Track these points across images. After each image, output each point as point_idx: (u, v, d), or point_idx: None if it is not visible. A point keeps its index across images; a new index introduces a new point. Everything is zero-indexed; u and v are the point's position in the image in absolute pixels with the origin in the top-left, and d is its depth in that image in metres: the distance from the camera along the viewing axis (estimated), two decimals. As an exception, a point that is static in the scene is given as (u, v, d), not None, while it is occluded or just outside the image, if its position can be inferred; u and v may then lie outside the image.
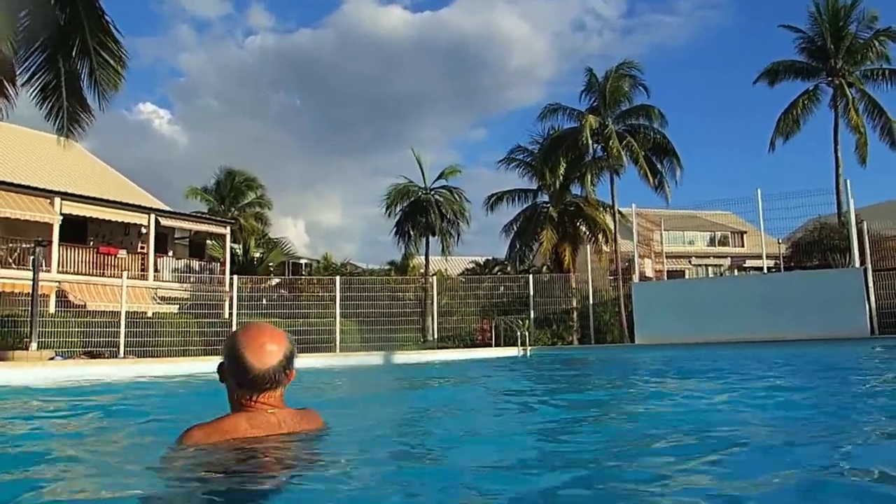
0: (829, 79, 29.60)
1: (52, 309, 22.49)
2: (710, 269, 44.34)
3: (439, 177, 30.09)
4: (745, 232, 46.08)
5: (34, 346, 16.11)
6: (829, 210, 26.73)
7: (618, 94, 27.03)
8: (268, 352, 2.45)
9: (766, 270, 21.75)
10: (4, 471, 2.66)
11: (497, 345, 22.04)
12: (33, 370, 11.14)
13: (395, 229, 29.51)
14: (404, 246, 30.42)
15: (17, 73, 14.58)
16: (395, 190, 29.45)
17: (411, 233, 29.25)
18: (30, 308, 17.14)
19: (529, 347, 20.14)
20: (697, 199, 63.37)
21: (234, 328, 20.86)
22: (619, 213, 26.80)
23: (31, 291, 17.30)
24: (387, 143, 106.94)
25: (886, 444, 3.01)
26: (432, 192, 29.62)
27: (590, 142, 26.17)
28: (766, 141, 30.81)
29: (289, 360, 2.49)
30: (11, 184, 24.75)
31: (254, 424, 2.42)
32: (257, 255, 37.64)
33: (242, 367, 2.43)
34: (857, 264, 18.30)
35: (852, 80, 29.29)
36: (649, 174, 26.19)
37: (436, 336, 23.87)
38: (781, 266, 26.11)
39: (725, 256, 46.54)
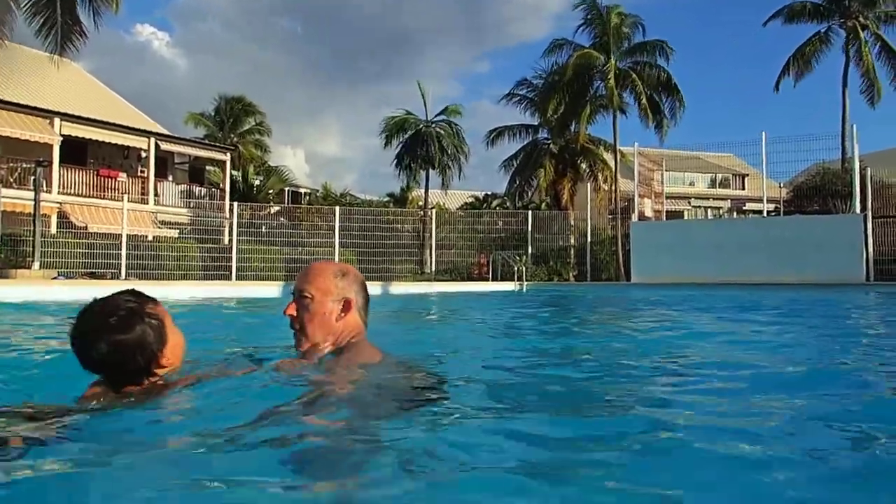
0: (843, 20, 28.97)
1: (53, 230, 22.58)
2: (709, 210, 44.32)
3: (441, 112, 29.71)
4: (747, 175, 45.81)
5: (36, 265, 16.30)
6: (833, 156, 26.60)
7: (621, 31, 26.41)
8: None
9: (765, 214, 21.80)
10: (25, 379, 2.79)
11: (494, 279, 22.26)
12: (41, 288, 11.29)
13: (395, 161, 29.22)
14: (404, 178, 30.23)
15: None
16: (392, 121, 29.06)
17: (412, 165, 29.01)
18: (32, 228, 17.26)
19: (526, 283, 20.35)
20: (700, 141, 62.78)
21: (233, 254, 21.10)
22: (620, 151, 26.65)
23: (32, 211, 17.38)
24: (390, 75, 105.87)
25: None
26: (433, 125, 29.29)
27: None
28: (772, 87, 30.35)
29: None
30: (11, 103, 24.54)
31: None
32: (256, 182, 37.48)
33: (368, 298, 2.57)
34: (858, 211, 18.37)
35: (866, 23, 28.68)
36: (650, 113, 25.79)
37: (433, 269, 24.07)
38: (781, 210, 26.12)
39: (725, 199, 46.40)
